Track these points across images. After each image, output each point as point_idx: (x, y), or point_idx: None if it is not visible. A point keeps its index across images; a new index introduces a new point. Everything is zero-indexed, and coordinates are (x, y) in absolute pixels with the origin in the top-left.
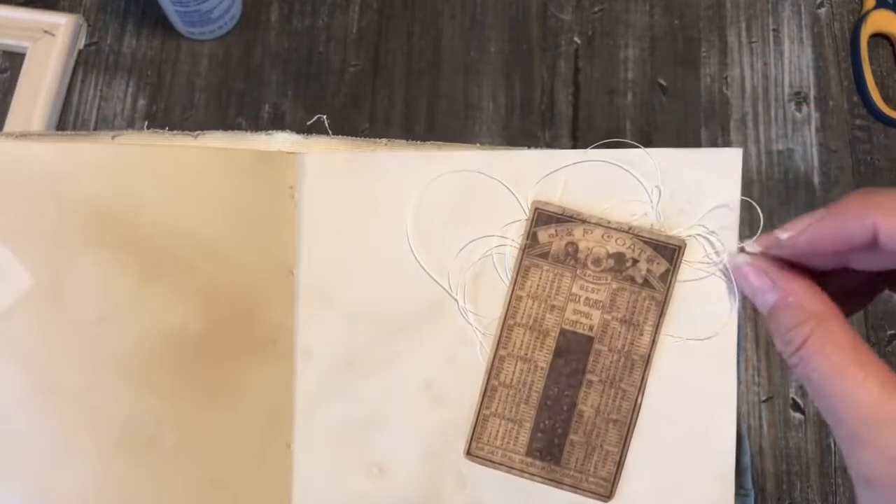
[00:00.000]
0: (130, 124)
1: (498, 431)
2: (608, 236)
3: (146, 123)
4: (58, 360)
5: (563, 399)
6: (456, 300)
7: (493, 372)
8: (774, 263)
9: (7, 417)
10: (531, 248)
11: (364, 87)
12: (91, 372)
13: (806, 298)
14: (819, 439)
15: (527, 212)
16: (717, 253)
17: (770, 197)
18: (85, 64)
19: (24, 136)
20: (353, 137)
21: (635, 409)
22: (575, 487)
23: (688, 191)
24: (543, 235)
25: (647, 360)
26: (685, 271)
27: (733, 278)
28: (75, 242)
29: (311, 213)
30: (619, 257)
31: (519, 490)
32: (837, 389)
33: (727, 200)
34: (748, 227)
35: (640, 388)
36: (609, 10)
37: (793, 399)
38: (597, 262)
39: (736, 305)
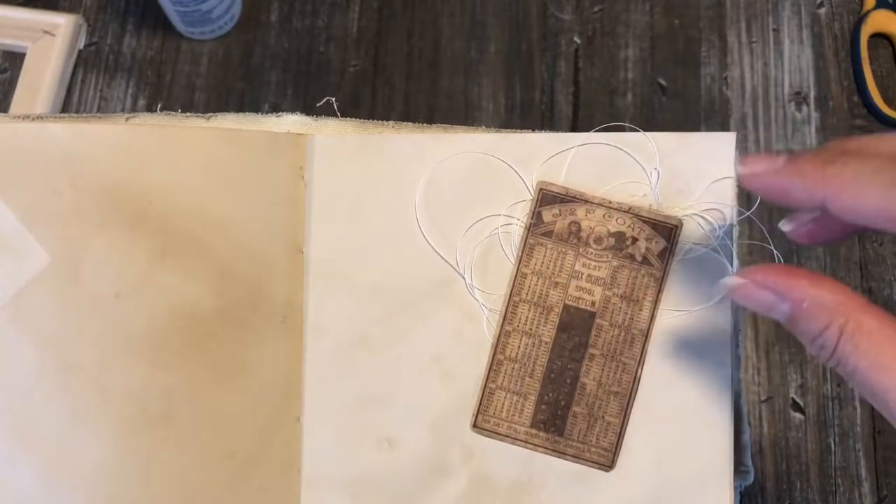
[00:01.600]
0: None
1: (503, 404)
2: (609, 216)
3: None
4: (73, 336)
5: (566, 372)
6: (463, 277)
7: (498, 347)
8: (768, 270)
9: (25, 393)
10: (536, 227)
11: (364, 87)
12: (106, 348)
13: (819, 296)
14: (819, 439)
15: (532, 192)
16: (714, 229)
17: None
18: (85, 64)
19: (40, 118)
20: (362, 120)
21: (635, 381)
22: (578, 458)
23: (685, 173)
24: (548, 215)
25: (647, 335)
26: (683, 249)
27: (737, 300)
28: (91, 221)
29: (320, 193)
30: (620, 236)
31: (524, 461)
32: (882, 385)
33: (721, 181)
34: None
35: (640, 361)
36: (609, 10)
37: (793, 399)
38: (598, 240)
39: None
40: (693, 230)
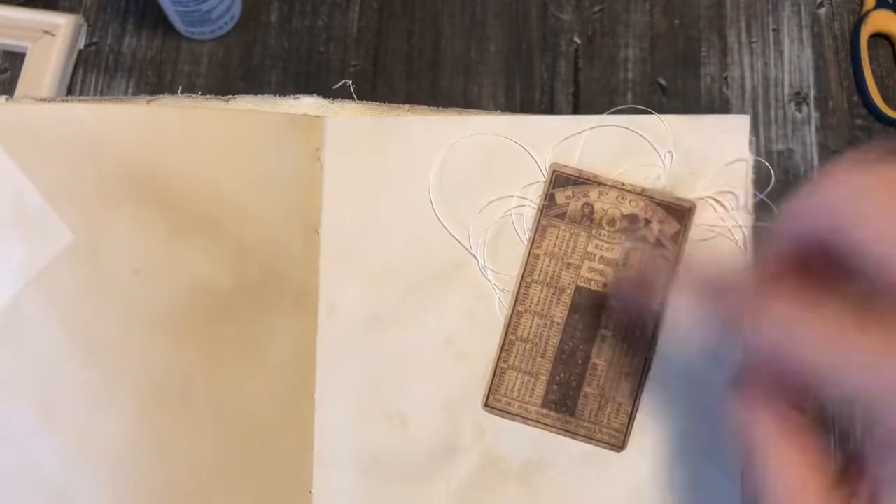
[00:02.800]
0: None
1: (515, 384)
2: (622, 198)
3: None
4: (95, 314)
5: (577, 353)
6: (476, 258)
7: (510, 327)
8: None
9: (49, 370)
10: (549, 208)
11: (364, 87)
12: (126, 326)
13: None
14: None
15: (545, 174)
16: (727, 212)
17: (770, 197)
18: (85, 64)
19: (64, 100)
20: (378, 102)
21: (647, 363)
22: (589, 438)
23: (698, 155)
24: (561, 197)
25: (658, 317)
26: (695, 232)
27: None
28: (113, 200)
29: (336, 174)
30: (633, 218)
31: (535, 441)
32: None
33: (735, 163)
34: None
35: (652, 343)
36: (609, 10)
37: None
38: (611, 222)
39: (744, 263)
40: (706, 213)
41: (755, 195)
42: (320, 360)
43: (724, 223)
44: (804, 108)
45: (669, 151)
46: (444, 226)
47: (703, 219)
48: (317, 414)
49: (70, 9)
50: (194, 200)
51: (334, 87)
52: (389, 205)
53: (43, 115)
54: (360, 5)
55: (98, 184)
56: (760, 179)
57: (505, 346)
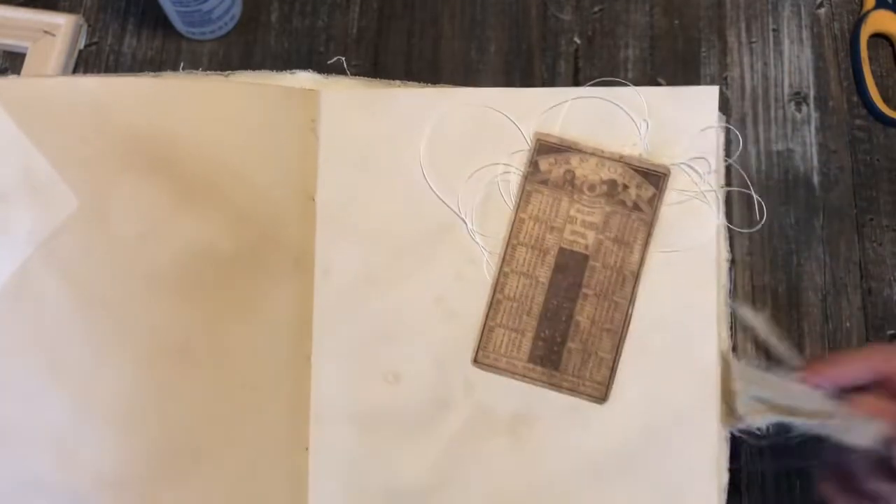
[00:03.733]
0: None
1: (502, 341)
2: (602, 165)
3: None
4: (100, 275)
5: (561, 311)
6: (465, 222)
7: (498, 287)
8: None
9: (57, 330)
10: (533, 175)
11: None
12: (129, 286)
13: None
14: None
15: (529, 143)
16: (700, 177)
17: (770, 197)
18: (85, 64)
19: (73, 76)
20: (370, 78)
21: (626, 319)
22: (573, 391)
23: (672, 124)
24: (544, 164)
25: (637, 276)
26: (670, 195)
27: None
28: (117, 167)
29: (330, 144)
30: (612, 183)
31: (522, 394)
32: None
33: (706, 131)
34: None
35: (631, 300)
36: (609, 10)
37: None
38: (591, 187)
39: (716, 223)
40: (681, 178)
41: (725, 160)
42: (317, 321)
43: (697, 187)
44: (804, 108)
45: (645, 120)
46: (434, 192)
47: (678, 183)
48: (313, 372)
49: (70, 9)
50: (196, 168)
51: (329, 62)
52: (381, 173)
53: (53, 87)
54: (361, 5)
55: (104, 152)
56: (730, 144)
57: (493, 305)
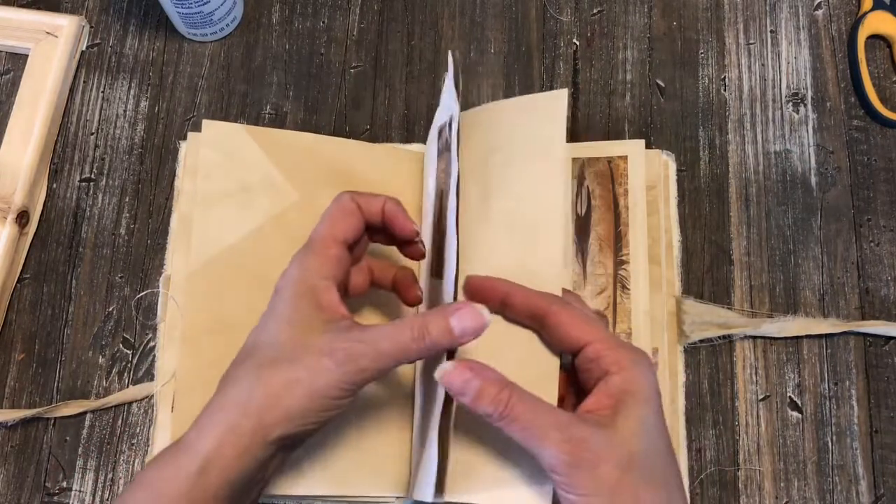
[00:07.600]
0: (133, 125)
1: None
2: None
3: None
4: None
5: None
6: None
7: None
8: (466, 364)
9: (277, 268)
10: None
11: (365, 88)
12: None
13: (496, 377)
14: (817, 438)
15: None
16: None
17: (768, 197)
18: (87, 65)
19: (297, 133)
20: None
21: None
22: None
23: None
24: None
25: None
26: None
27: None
28: (320, 181)
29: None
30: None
31: None
32: (537, 426)
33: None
34: None
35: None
36: (608, 12)
37: (790, 398)
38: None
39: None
40: None
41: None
42: None
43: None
44: (801, 108)
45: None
46: None
47: None
48: None
49: (72, 10)
50: (363, 187)
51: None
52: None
53: (286, 135)
54: (361, 7)
55: (314, 171)
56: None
57: None
